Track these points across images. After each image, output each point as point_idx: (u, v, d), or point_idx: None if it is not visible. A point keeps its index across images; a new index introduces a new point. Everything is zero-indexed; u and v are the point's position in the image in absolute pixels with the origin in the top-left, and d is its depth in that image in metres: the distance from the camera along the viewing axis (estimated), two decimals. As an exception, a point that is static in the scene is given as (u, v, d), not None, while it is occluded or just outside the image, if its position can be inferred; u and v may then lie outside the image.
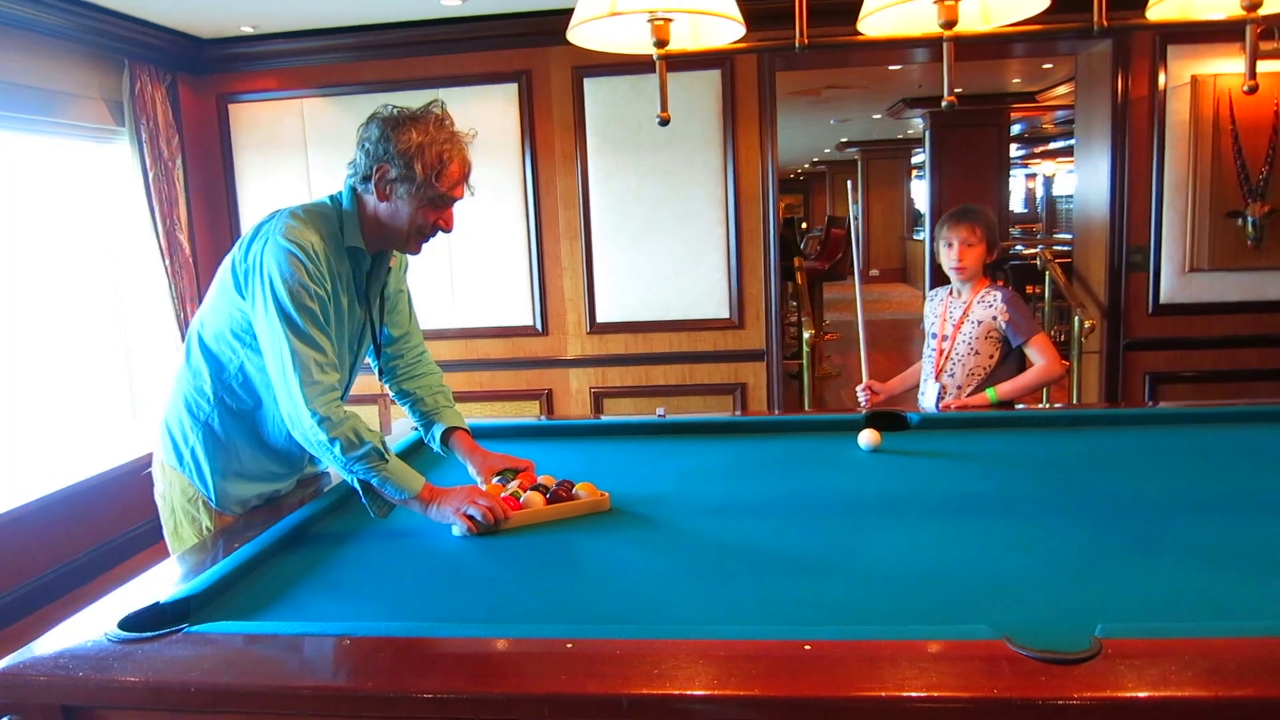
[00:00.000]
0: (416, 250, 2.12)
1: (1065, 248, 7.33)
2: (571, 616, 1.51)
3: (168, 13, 4.43)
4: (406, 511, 1.99)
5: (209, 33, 4.78)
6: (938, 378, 2.98)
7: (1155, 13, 1.89)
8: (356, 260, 2.07)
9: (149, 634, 1.45)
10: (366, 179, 1.99)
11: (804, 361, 4.77)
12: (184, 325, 4.80)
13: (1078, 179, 5.19)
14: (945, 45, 1.86)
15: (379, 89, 4.79)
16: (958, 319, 2.98)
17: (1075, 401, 4.80)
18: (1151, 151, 4.59)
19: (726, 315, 4.79)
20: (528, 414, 4.95)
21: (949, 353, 2.97)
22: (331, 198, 2.07)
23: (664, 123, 2.07)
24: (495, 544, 1.89)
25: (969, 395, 2.92)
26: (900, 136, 14.37)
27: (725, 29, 2.01)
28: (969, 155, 10.03)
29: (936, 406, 2.92)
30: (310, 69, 4.87)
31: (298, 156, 5.01)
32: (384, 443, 1.96)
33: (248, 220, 5.12)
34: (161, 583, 1.68)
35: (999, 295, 2.95)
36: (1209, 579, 1.53)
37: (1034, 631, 1.26)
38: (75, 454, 4.47)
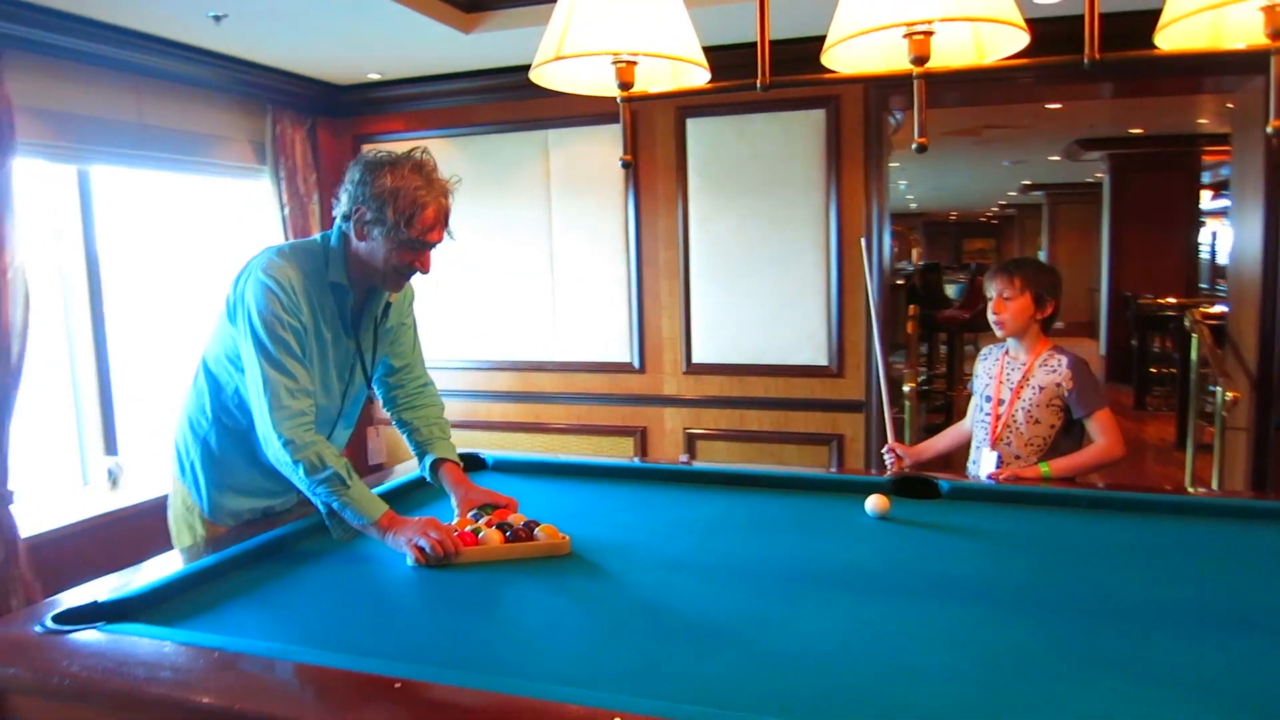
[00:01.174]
0: (396, 289, 2.21)
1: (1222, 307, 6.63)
2: (441, 657, 1.51)
3: (305, 63, 4.82)
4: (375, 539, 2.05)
5: (342, 80, 5.15)
6: (994, 445, 2.76)
7: (1164, 40, 1.70)
8: (340, 295, 2.16)
9: (65, 628, 1.56)
10: (347, 218, 2.09)
11: (904, 415, 4.53)
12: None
13: (1233, 233, 4.70)
14: (916, 83, 1.75)
15: (492, 130, 5.01)
16: (1016, 383, 2.76)
17: (1215, 488, 4.29)
18: (1313, 199, 4.09)
19: (825, 363, 4.64)
20: (621, 453, 4.96)
21: (1006, 419, 2.75)
22: (323, 235, 2.18)
23: (626, 165, 2.06)
24: (440, 578, 1.92)
25: (1026, 467, 2.69)
26: (1090, 180, 13.51)
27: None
28: (1153, 202, 9.27)
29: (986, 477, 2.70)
30: (431, 111, 5.15)
31: (421, 194, 5.28)
32: (348, 469, 2.03)
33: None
34: (118, 584, 1.81)
35: (1064, 360, 2.71)
36: (1145, 709, 1.33)
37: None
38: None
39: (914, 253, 11.23)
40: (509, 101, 4.89)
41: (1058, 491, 2.43)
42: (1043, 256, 15.18)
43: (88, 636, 1.54)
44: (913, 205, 20.66)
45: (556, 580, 1.89)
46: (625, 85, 1.91)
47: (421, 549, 1.94)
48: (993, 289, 2.74)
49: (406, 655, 1.50)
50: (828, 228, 4.57)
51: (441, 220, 2.11)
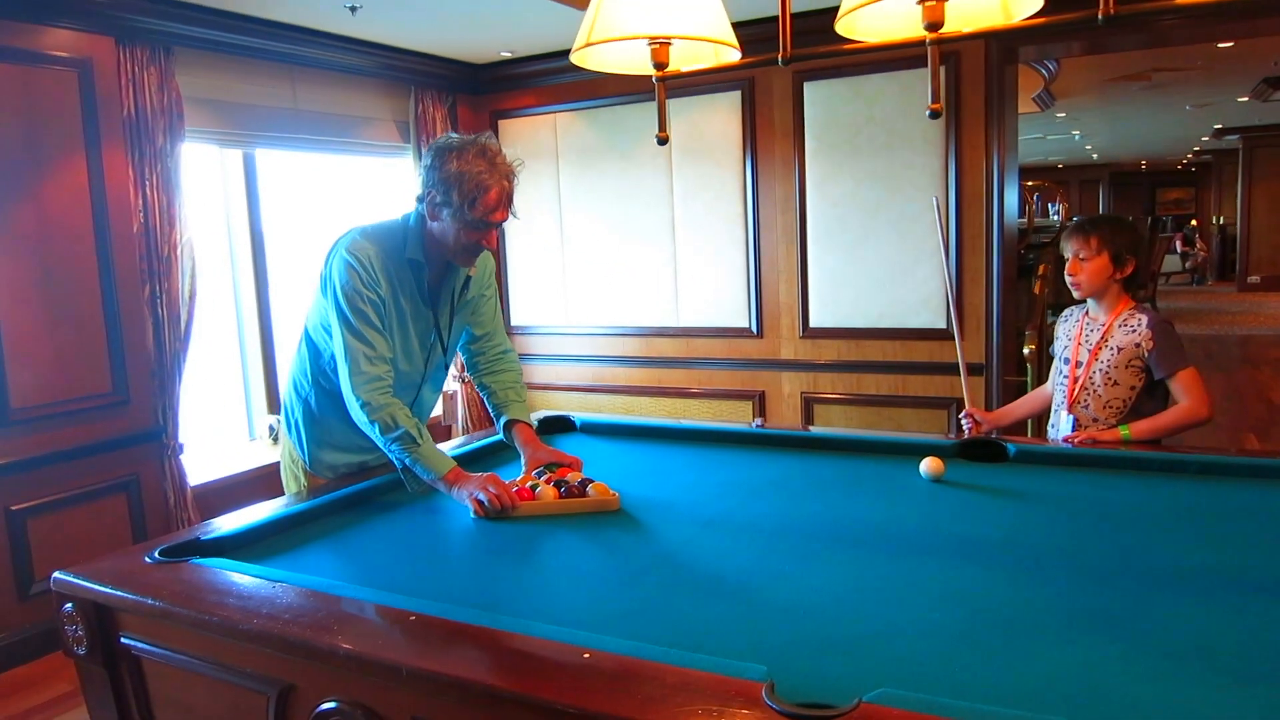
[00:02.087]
0: (466, 264, 2.38)
1: None
2: (468, 597, 1.68)
3: (442, 45, 5.10)
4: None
5: (478, 59, 5.41)
6: (1070, 409, 2.68)
7: None
8: (417, 270, 2.36)
9: (165, 560, 1.84)
10: (421, 200, 2.28)
11: (1027, 378, 4.38)
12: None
13: None
14: (929, 49, 1.74)
15: (618, 101, 5.14)
16: (1094, 344, 2.67)
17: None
18: None
19: (943, 325, 4.54)
20: (741, 417, 5.05)
21: (1084, 381, 2.67)
22: (405, 215, 2.38)
23: (662, 142, 2.13)
24: (494, 529, 2.09)
25: (1104, 429, 2.61)
26: (1291, 121, 12.27)
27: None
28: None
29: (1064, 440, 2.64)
30: (561, 86, 5.33)
31: (550, 165, 5.51)
32: (419, 429, 2.24)
33: (513, 224, 5.69)
34: (219, 525, 2.09)
35: (1144, 320, 2.60)
36: (1117, 665, 1.35)
37: (821, 684, 1.24)
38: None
39: (1061, 209, 10.50)
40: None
41: (1125, 455, 2.36)
42: (1237, 205, 13.94)
43: (181, 569, 1.81)
44: (1094, 156, 19.34)
45: (595, 532, 2.04)
46: (660, 65, 1.99)
47: (480, 502, 2.13)
48: (1069, 249, 2.65)
49: (436, 594, 1.67)
50: (947, 187, 4.45)
51: (504, 202, 2.26)
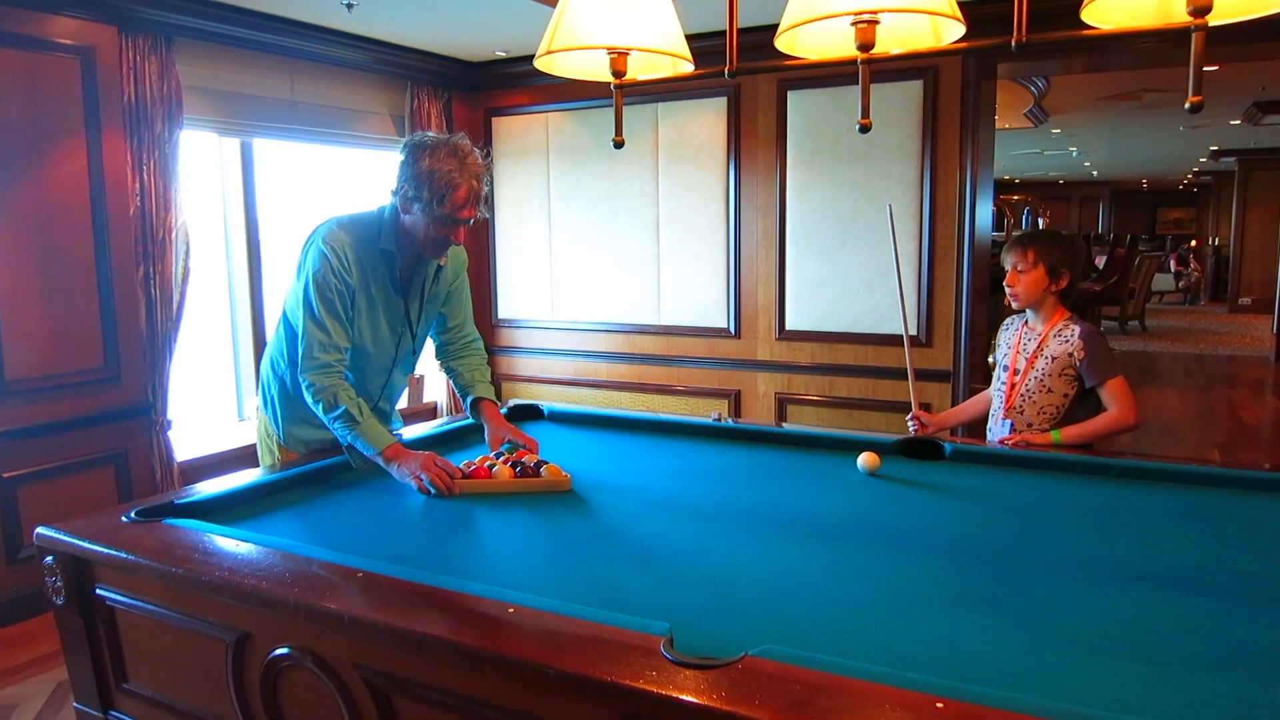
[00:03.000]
0: (435, 256, 2.52)
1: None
2: (417, 560, 1.81)
3: (438, 43, 5.24)
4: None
5: (474, 57, 5.55)
6: (1007, 414, 2.82)
7: (1091, 15, 1.73)
8: (390, 260, 2.50)
9: (140, 519, 1.98)
10: (396, 193, 2.42)
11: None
12: (439, 306, 5.64)
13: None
14: (861, 68, 1.88)
15: (607, 103, 5.25)
16: (1031, 353, 2.80)
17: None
18: None
19: (914, 332, 4.68)
20: (714, 411, 5.17)
21: (1020, 388, 2.81)
22: (381, 208, 2.52)
23: (618, 145, 2.26)
24: (450, 506, 2.23)
25: (1038, 433, 2.75)
26: (1283, 145, 12.40)
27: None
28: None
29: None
30: (552, 86, 5.47)
31: (541, 163, 5.65)
32: (360, 408, 2.39)
33: (503, 216, 5.87)
34: (194, 491, 2.23)
35: (1077, 330, 2.73)
36: (992, 638, 1.48)
37: (719, 643, 1.36)
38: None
39: (1044, 222, 10.64)
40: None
41: (1051, 456, 2.50)
42: (1231, 226, 14.07)
43: (154, 527, 1.95)
44: (1094, 173, 19.47)
45: (542, 509, 2.18)
46: (618, 74, 2.12)
47: (422, 480, 2.27)
48: (1008, 261, 2.79)
49: (386, 558, 1.81)
50: (922, 198, 4.59)
51: (473, 200, 2.39)
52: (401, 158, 2.40)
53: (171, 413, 4.15)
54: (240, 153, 4.88)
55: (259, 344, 4.99)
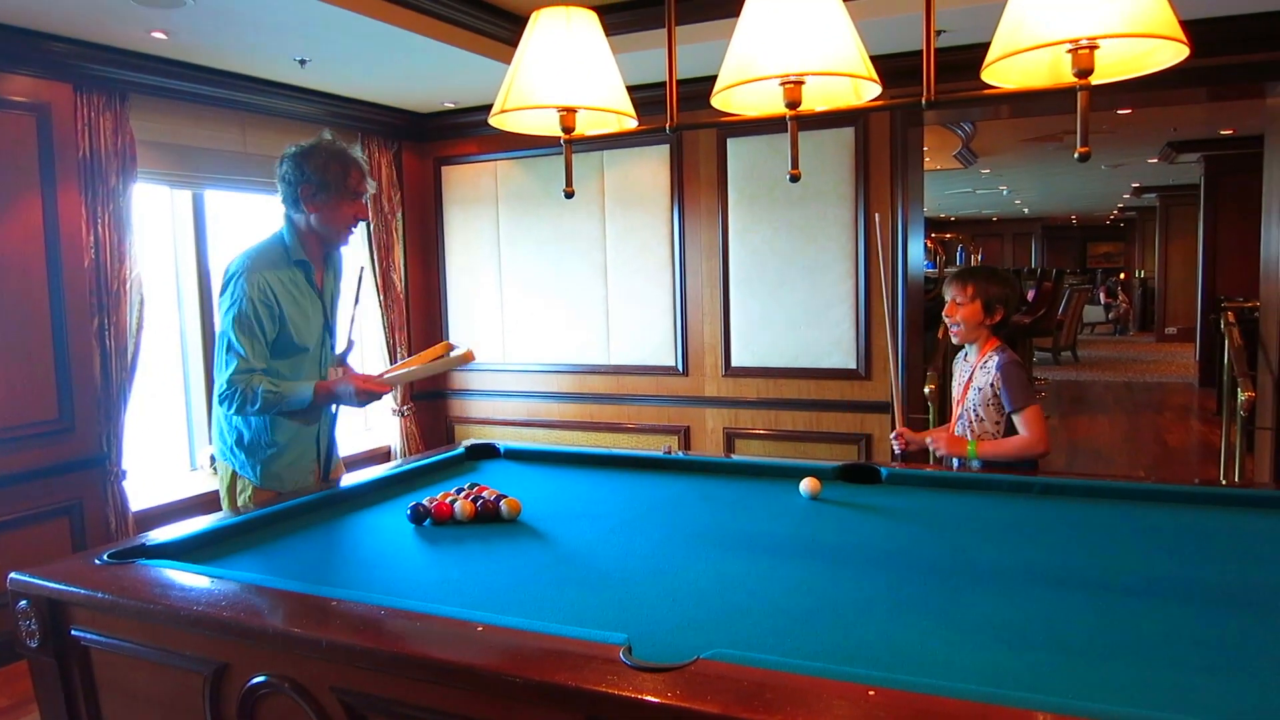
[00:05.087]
0: (346, 242, 2.91)
1: None
2: (388, 591, 1.92)
3: (387, 95, 5.39)
4: (371, 524, 2.50)
5: (423, 108, 5.71)
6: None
7: (990, 76, 1.92)
8: (305, 268, 2.83)
9: (114, 562, 2.05)
10: (295, 203, 2.70)
11: (929, 415, 4.73)
12: (393, 348, 5.72)
13: (1262, 235, 4.70)
14: (790, 124, 2.06)
15: (555, 151, 5.46)
16: (965, 383, 3.00)
17: (1224, 481, 4.34)
18: (1338, 206, 4.12)
19: (853, 366, 4.89)
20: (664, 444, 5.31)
21: (960, 415, 2.99)
22: (275, 234, 2.80)
23: (569, 195, 2.41)
24: (414, 539, 2.33)
25: (957, 439, 2.93)
26: (1194, 181, 13.04)
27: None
28: (1247, 203, 8.99)
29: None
30: (501, 136, 5.62)
31: (490, 210, 5.81)
32: (272, 384, 2.69)
33: (453, 261, 6.00)
34: (166, 534, 2.31)
35: (996, 360, 2.93)
36: (937, 641, 1.63)
37: (674, 650, 1.49)
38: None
39: (972, 259, 11.07)
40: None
41: (979, 476, 2.68)
42: (1155, 260, 14.68)
43: (129, 568, 2.02)
44: (1024, 210, 20.19)
45: (503, 539, 2.29)
46: (567, 130, 2.28)
47: (375, 389, 2.74)
48: (948, 293, 2.97)
49: (356, 587, 1.91)
50: (856, 239, 4.82)
51: (365, 172, 2.83)
52: (288, 170, 2.72)
53: (126, 462, 4.17)
54: (192, 204, 4.95)
55: (212, 393, 5.02)
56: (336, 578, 2.04)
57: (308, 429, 2.88)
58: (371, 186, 2.85)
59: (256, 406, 2.66)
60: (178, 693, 1.86)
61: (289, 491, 2.76)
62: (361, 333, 3.68)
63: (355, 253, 5.64)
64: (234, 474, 2.82)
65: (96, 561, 2.07)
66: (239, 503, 2.77)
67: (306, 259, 2.81)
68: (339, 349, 3.04)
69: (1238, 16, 4.10)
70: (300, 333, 2.79)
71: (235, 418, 2.77)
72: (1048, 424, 2.88)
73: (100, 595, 1.90)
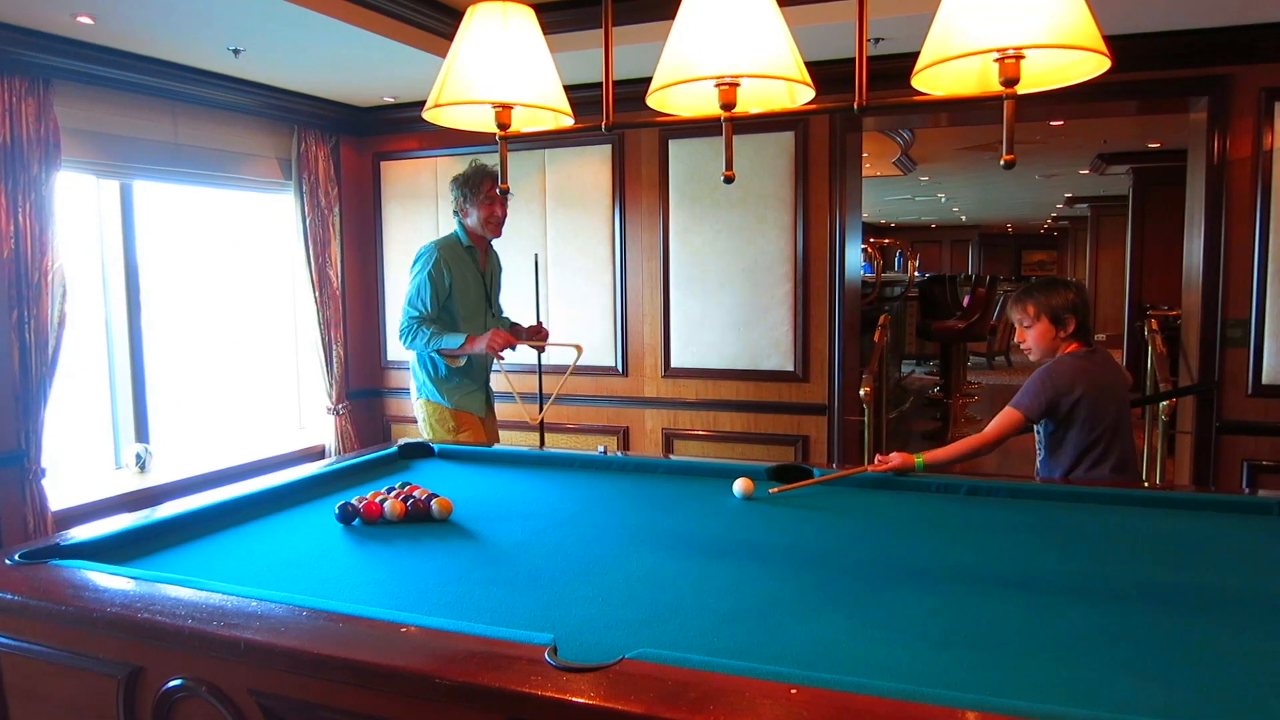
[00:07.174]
0: (498, 232, 4.06)
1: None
2: (314, 592, 1.88)
3: (325, 88, 5.29)
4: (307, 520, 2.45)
5: (361, 102, 5.62)
6: None
7: (920, 82, 1.94)
8: (472, 253, 4.02)
9: (26, 562, 1.98)
10: (456, 212, 4.03)
11: (864, 417, 4.80)
12: (328, 345, 5.61)
13: (1185, 247, 4.84)
14: (724, 125, 2.07)
15: (494, 149, 5.40)
16: None
17: (1147, 483, 4.48)
18: (1254, 217, 4.27)
19: (791, 368, 4.93)
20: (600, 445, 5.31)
21: None
22: (454, 231, 4.06)
23: (504, 193, 2.41)
24: (344, 540, 2.29)
25: (905, 455, 2.96)
26: (1123, 193, 13.45)
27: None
28: (1172, 214, 9.28)
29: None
30: (442, 131, 5.54)
31: (430, 206, 5.74)
32: (436, 330, 3.86)
33: (391, 258, 5.92)
34: (81, 534, 2.23)
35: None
36: (862, 639, 1.65)
37: (600, 650, 1.49)
38: (250, 434, 5.38)
39: (910, 265, 11.29)
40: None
41: (908, 479, 2.72)
42: (1086, 268, 15.10)
43: (39, 568, 1.95)
44: (962, 218, 20.60)
45: (436, 540, 2.26)
46: (503, 126, 2.26)
47: (502, 332, 3.90)
48: (1013, 320, 2.97)
49: (280, 588, 1.87)
50: (795, 242, 4.86)
51: (494, 180, 3.91)
52: (453, 189, 4.01)
53: (46, 460, 4.03)
54: (120, 195, 4.81)
55: (138, 390, 4.89)
56: (259, 578, 1.99)
57: (475, 372, 4.05)
58: (499, 191, 3.52)
59: (422, 340, 3.83)
60: (90, 698, 1.80)
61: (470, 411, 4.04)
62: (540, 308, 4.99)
63: (295, 250, 5.55)
64: (430, 404, 3.98)
65: (7, 562, 2.00)
66: (449, 428, 3.97)
67: (474, 245, 4.01)
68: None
69: (1163, 33, 4.22)
70: (464, 296, 3.96)
71: (428, 364, 3.97)
72: (1012, 429, 2.88)
73: (9, 596, 1.83)
